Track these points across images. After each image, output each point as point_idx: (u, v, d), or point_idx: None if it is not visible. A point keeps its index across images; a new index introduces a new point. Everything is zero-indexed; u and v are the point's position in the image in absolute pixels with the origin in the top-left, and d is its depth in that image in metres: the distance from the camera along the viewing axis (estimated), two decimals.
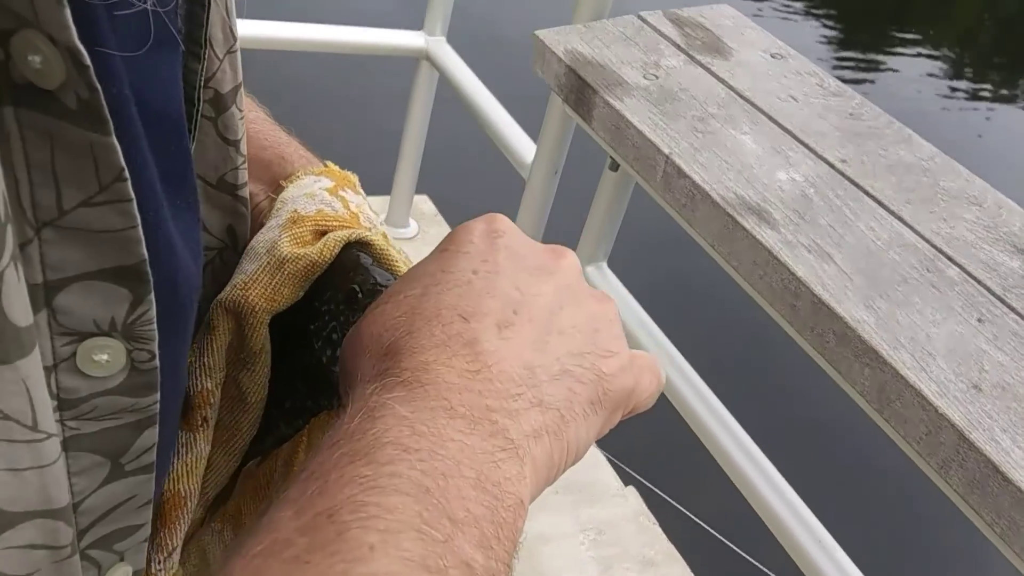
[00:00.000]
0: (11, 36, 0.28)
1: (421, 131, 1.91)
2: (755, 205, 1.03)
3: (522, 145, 1.64)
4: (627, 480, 1.91)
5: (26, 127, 0.29)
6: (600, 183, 1.41)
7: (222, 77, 0.45)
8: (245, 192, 0.49)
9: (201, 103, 0.43)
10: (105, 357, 0.34)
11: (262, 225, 0.53)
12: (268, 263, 0.49)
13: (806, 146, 1.11)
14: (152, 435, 0.38)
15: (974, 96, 5.84)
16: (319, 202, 0.52)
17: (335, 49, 1.78)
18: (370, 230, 0.52)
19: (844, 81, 1.22)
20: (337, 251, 0.50)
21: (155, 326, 0.35)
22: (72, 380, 0.34)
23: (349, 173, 0.58)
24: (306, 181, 0.55)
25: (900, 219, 1.04)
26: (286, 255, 0.49)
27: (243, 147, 0.47)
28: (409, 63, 1.88)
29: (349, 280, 0.49)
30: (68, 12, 0.28)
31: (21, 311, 0.30)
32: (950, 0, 7.67)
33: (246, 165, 0.48)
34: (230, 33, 0.45)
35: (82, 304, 0.33)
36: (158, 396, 0.37)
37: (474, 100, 1.73)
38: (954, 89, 5.94)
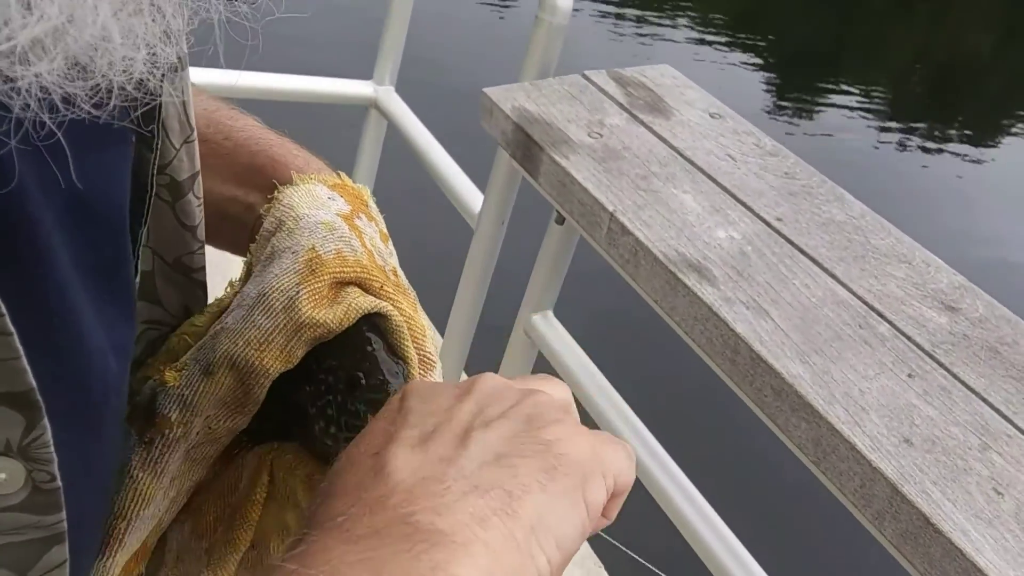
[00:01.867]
0: None
1: (369, 179, 1.93)
2: (696, 263, 1.06)
3: (470, 195, 1.66)
4: None
5: None
6: (546, 235, 1.44)
7: (179, 165, 0.46)
8: (202, 276, 0.50)
9: (154, 188, 0.45)
10: (3, 476, 0.35)
11: (265, 232, 0.52)
12: (285, 324, 0.48)
13: (744, 205, 1.15)
14: (61, 552, 0.38)
15: (903, 144, 6.04)
16: (337, 239, 0.50)
17: (285, 97, 1.79)
18: (384, 286, 0.51)
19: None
20: (355, 321, 0.49)
21: (52, 449, 0.35)
22: None
23: (362, 188, 0.57)
24: (318, 193, 0.53)
25: (833, 276, 1.08)
26: (305, 319, 0.48)
27: (200, 233, 0.49)
28: (358, 111, 1.90)
29: (357, 364, 0.48)
30: None
31: None
32: (882, 46, 7.94)
33: (203, 250, 0.49)
34: (187, 124, 0.46)
35: None
36: (63, 516, 0.37)
37: (422, 149, 1.75)
38: (885, 129, 6.14)
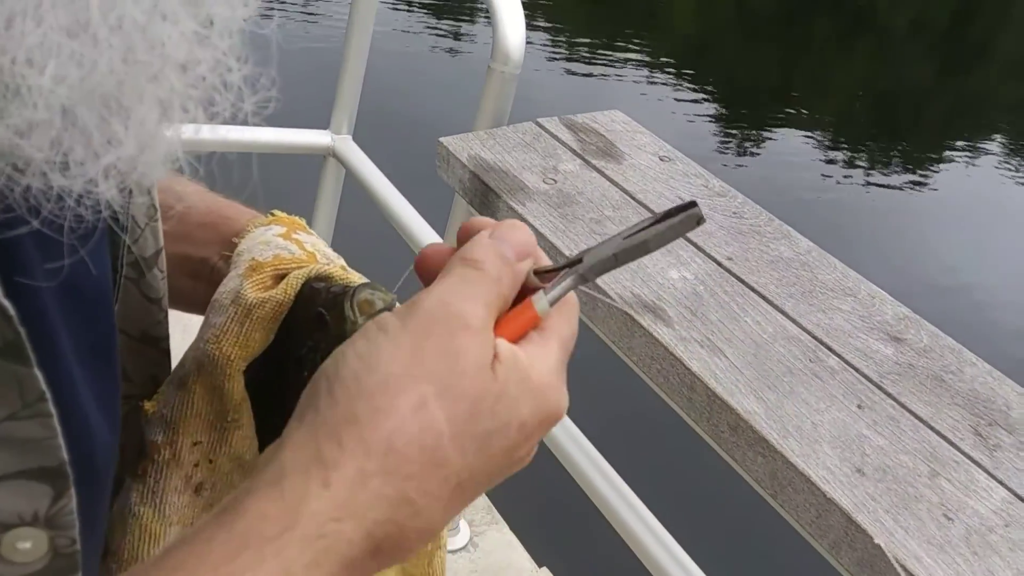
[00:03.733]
0: None
1: (329, 225, 1.95)
2: (651, 303, 1.10)
3: (429, 239, 1.68)
4: (540, 561, 1.93)
5: None
6: None
7: (144, 244, 0.48)
8: (167, 344, 0.52)
9: (123, 269, 0.47)
10: (28, 545, 0.37)
11: (218, 282, 0.55)
12: (235, 313, 0.51)
13: (695, 245, 1.19)
14: None
15: (848, 175, 6.19)
16: (275, 247, 0.54)
17: (242, 148, 1.81)
18: (328, 264, 0.54)
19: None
20: (299, 287, 0.51)
21: (75, 516, 0.38)
22: None
23: (296, 217, 0.60)
24: (258, 232, 0.57)
25: (783, 312, 1.12)
26: (252, 301, 0.51)
27: (165, 303, 0.50)
28: (316, 160, 1.92)
29: (314, 308, 0.51)
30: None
31: None
32: (826, 79, 8.15)
33: (167, 318, 0.51)
34: (151, 206, 0.48)
35: (6, 500, 0.36)
36: (80, 574, 0.39)
37: (380, 196, 1.77)
38: (830, 162, 6.29)
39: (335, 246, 0.61)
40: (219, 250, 0.59)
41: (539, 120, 1.38)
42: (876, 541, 0.88)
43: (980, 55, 10.50)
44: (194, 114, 0.36)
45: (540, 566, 1.90)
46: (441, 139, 1.31)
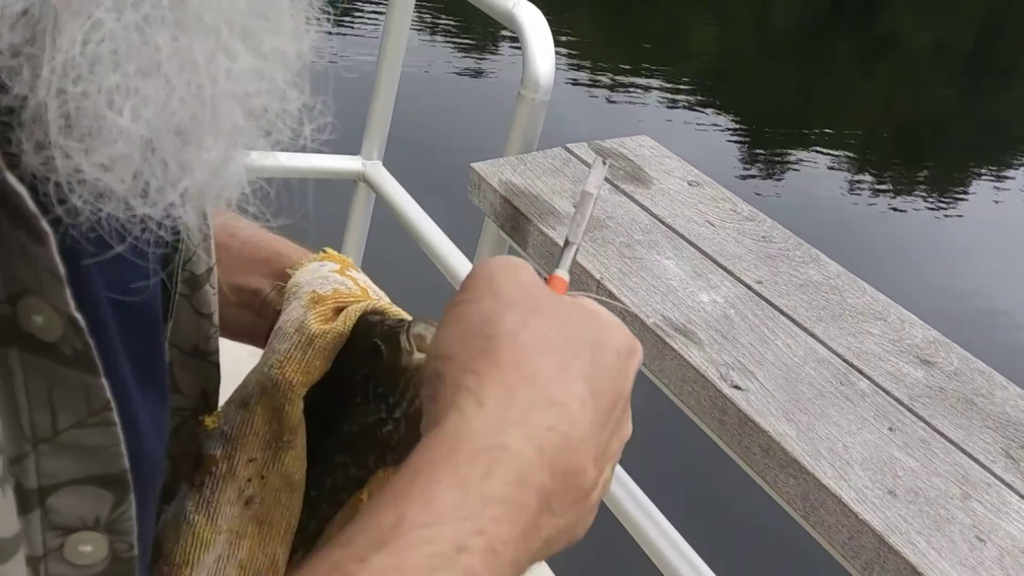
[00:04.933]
0: (18, 300, 0.34)
1: (359, 250, 1.98)
2: (681, 326, 1.11)
3: (459, 263, 1.71)
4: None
5: (28, 367, 0.35)
6: None
7: (197, 261, 0.51)
8: (216, 358, 0.54)
9: (178, 286, 0.49)
10: (89, 548, 0.39)
11: (276, 313, 0.58)
12: (299, 340, 0.54)
13: (725, 269, 1.20)
14: None
15: (874, 197, 6.17)
16: (333, 282, 0.58)
17: (274, 174, 1.84)
18: (380, 300, 0.58)
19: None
20: (356, 320, 0.55)
21: (134, 521, 0.40)
22: (60, 567, 0.39)
23: (345, 256, 0.65)
24: (313, 267, 0.61)
25: (813, 335, 1.13)
26: (315, 331, 0.54)
27: (216, 319, 0.53)
28: (347, 185, 1.96)
29: (370, 339, 0.54)
30: (68, 292, 0.34)
31: (6, 524, 0.35)
32: (848, 102, 8.14)
33: (217, 333, 0.53)
34: (205, 224, 0.51)
35: (71, 505, 0.38)
36: None
37: (411, 221, 1.80)
38: (854, 184, 6.28)
39: (365, 269, 0.65)
40: (272, 282, 0.63)
41: (568, 146, 1.41)
42: (909, 561, 0.89)
43: (1005, 77, 10.45)
44: (258, 141, 0.39)
45: None
46: (473, 164, 1.33)
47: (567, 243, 0.53)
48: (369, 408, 0.54)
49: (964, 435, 1.03)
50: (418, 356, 0.51)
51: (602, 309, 0.48)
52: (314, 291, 0.57)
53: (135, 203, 0.34)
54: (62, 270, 0.34)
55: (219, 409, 0.55)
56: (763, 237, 1.28)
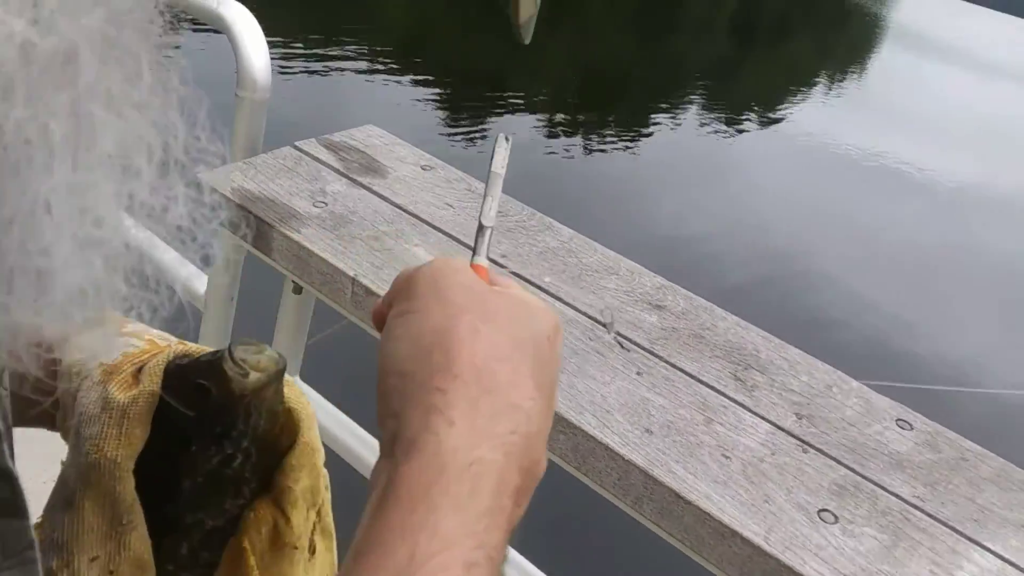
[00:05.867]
0: None
1: None
2: None
3: (191, 276, 1.64)
4: None
5: None
6: (282, 305, 1.46)
7: None
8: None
9: None
10: None
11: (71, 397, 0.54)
12: (109, 418, 0.51)
13: (469, 247, 1.26)
14: None
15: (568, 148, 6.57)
16: (117, 348, 0.55)
17: None
18: (176, 343, 0.56)
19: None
20: (161, 373, 0.53)
21: None
22: None
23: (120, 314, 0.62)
24: (90, 340, 0.57)
25: (559, 299, 1.22)
26: (124, 401, 0.51)
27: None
28: None
29: (189, 383, 0.52)
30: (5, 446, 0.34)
31: None
32: (541, 59, 8.54)
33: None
34: None
35: None
36: None
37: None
38: (552, 135, 6.65)
39: None
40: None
41: (297, 144, 1.39)
42: (672, 488, 1.00)
43: (671, 22, 11.44)
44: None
45: None
46: (199, 175, 1.29)
47: (481, 227, 0.52)
48: (211, 452, 0.52)
49: (699, 367, 1.16)
50: (254, 376, 0.50)
51: (526, 294, 0.50)
52: (100, 363, 0.54)
53: None
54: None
55: (39, 519, 0.51)
56: (499, 212, 1.35)
